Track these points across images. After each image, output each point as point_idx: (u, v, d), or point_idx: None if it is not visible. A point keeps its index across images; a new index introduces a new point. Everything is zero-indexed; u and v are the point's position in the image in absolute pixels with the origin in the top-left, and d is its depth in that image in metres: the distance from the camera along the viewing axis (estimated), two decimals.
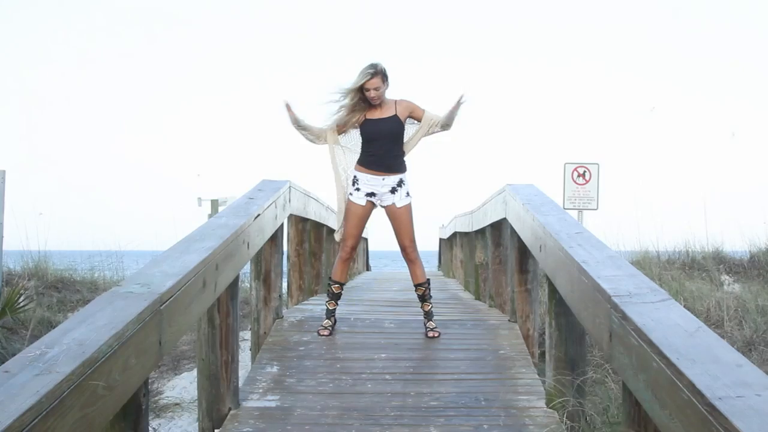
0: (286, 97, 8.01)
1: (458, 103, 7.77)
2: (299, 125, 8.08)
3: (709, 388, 2.55)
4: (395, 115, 7.89)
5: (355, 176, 7.98)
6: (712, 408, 2.45)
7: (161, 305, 3.70)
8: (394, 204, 7.95)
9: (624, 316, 3.47)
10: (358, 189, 7.95)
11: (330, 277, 8.34)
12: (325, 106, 7.95)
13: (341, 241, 8.21)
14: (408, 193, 7.99)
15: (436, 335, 7.87)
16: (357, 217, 8.01)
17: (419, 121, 8.01)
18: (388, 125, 7.86)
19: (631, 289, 3.82)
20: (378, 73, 7.74)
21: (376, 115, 7.89)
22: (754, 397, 2.49)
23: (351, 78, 7.79)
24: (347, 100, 7.85)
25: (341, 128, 8.03)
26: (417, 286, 8.20)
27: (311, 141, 8.15)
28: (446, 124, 7.91)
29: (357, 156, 8.08)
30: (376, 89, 7.73)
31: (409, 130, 8.04)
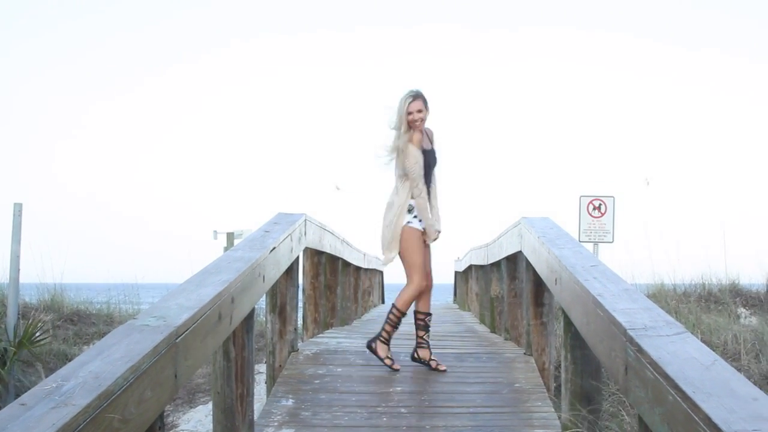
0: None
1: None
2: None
3: (725, 422, 2.54)
4: (432, 146, 8.06)
5: (410, 205, 7.99)
6: None
7: (177, 338, 3.70)
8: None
9: (640, 350, 3.46)
10: (415, 216, 8.01)
11: (400, 309, 8.31)
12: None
13: (419, 273, 8.16)
14: None
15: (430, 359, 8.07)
16: (422, 240, 8.07)
17: None
18: (434, 156, 8.07)
19: (646, 323, 3.81)
20: (419, 96, 7.92)
21: (426, 145, 8.00)
22: None
23: (394, 108, 7.97)
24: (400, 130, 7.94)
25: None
26: (425, 314, 8.30)
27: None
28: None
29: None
30: (419, 111, 7.86)
31: None
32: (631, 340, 3.63)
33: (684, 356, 3.26)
